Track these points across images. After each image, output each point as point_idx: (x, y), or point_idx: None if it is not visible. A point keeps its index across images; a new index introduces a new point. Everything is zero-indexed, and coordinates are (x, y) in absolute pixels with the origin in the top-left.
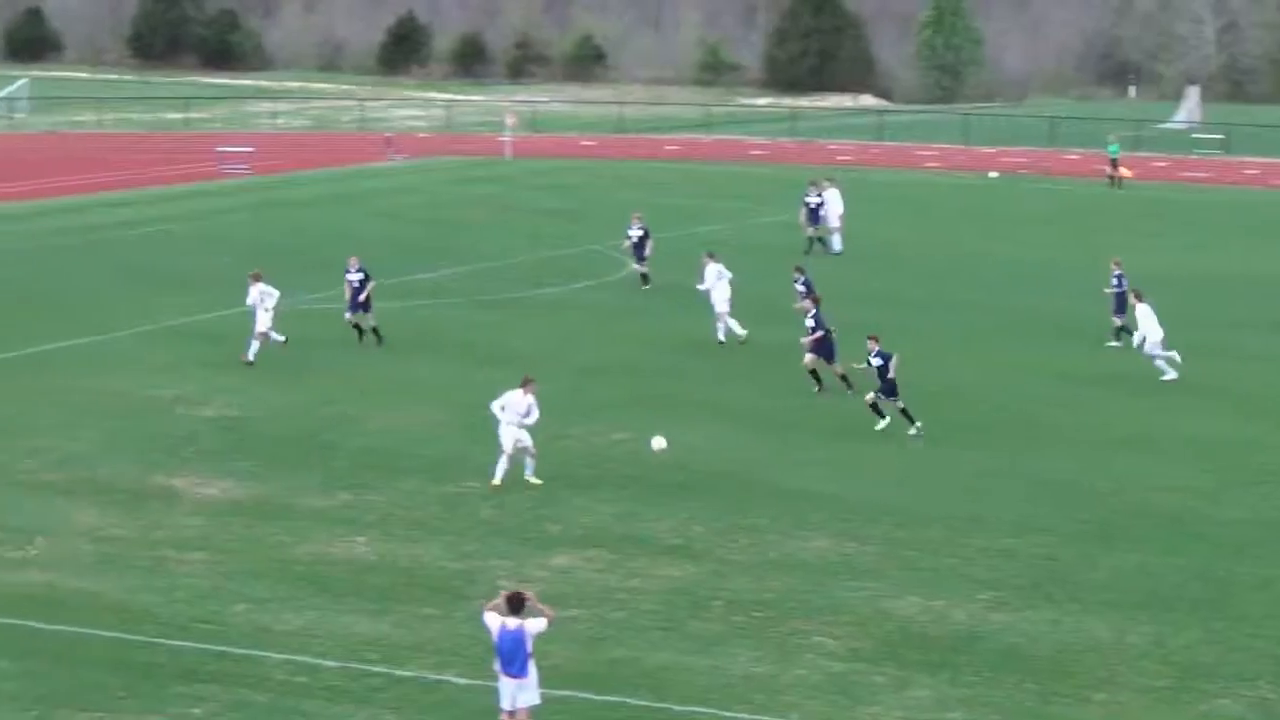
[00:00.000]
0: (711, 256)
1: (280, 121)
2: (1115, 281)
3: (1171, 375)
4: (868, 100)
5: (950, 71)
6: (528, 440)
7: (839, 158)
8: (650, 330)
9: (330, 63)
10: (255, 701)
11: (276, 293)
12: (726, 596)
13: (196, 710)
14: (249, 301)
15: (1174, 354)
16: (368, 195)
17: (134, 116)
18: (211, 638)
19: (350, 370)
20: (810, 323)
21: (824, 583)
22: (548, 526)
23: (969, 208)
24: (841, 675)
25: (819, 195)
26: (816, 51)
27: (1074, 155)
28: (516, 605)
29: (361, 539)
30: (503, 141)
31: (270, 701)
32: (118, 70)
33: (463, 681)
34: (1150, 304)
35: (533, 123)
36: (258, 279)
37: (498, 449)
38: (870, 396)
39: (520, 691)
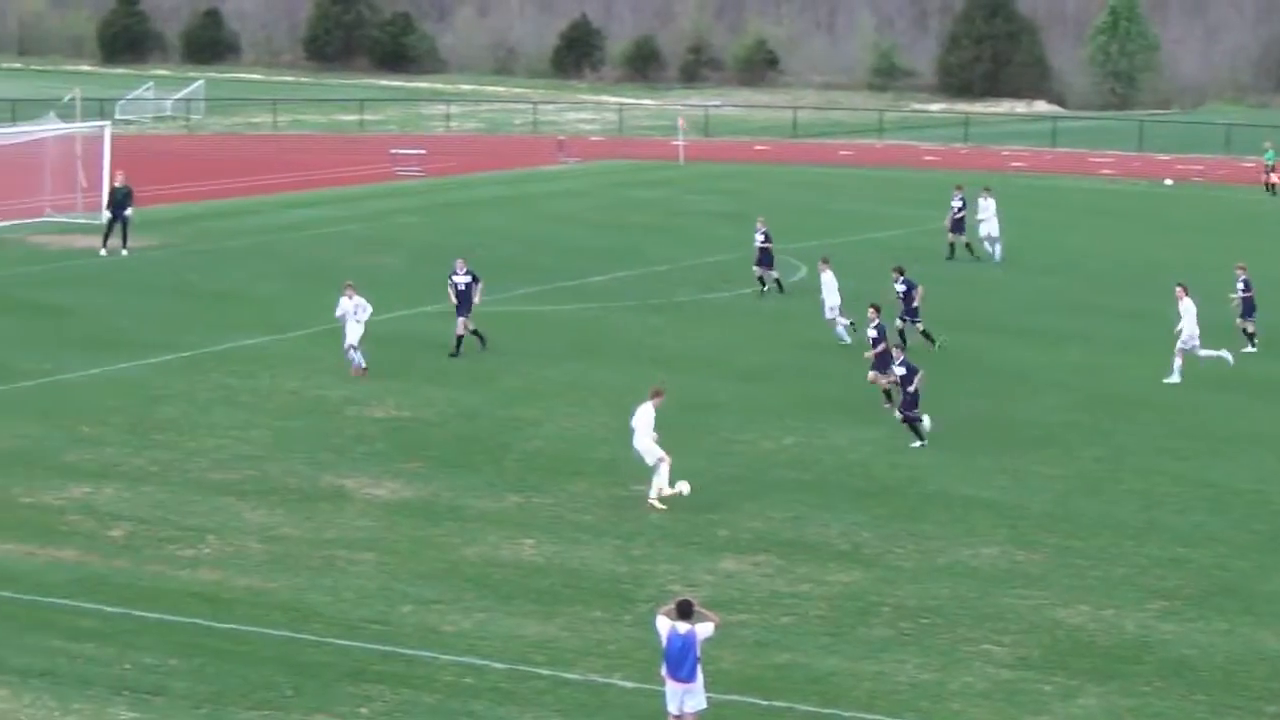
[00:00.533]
0: (825, 263)
1: (453, 124)
2: (1241, 286)
3: (1175, 379)
4: (1041, 106)
5: (1125, 78)
6: (648, 458)
7: (1012, 164)
8: (819, 334)
9: (503, 66)
10: (422, 702)
11: (369, 307)
12: (894, 603)
13: (364, 710)
14: (339, 313)
15: (1222, 353)
16: (538, 198)
17: (308, 118)
18: (379, 638)
19: (520, 372)
20: (873, 333)
21: (992, 590)
22: (716, 531)
23: (1143, 215)
24: (1009, 683)
25: (961, 199)
26: (990, 57)
27: (1249, 163)
28: (686, 611)
29: (530, 541)
30: (675, 145)
31: (437, 702)
32: (293, 72)
33: (629, 685)
34: (1194, 300)
35: (705, 127)
36: (352, 291)
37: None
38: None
39: (687, 696)
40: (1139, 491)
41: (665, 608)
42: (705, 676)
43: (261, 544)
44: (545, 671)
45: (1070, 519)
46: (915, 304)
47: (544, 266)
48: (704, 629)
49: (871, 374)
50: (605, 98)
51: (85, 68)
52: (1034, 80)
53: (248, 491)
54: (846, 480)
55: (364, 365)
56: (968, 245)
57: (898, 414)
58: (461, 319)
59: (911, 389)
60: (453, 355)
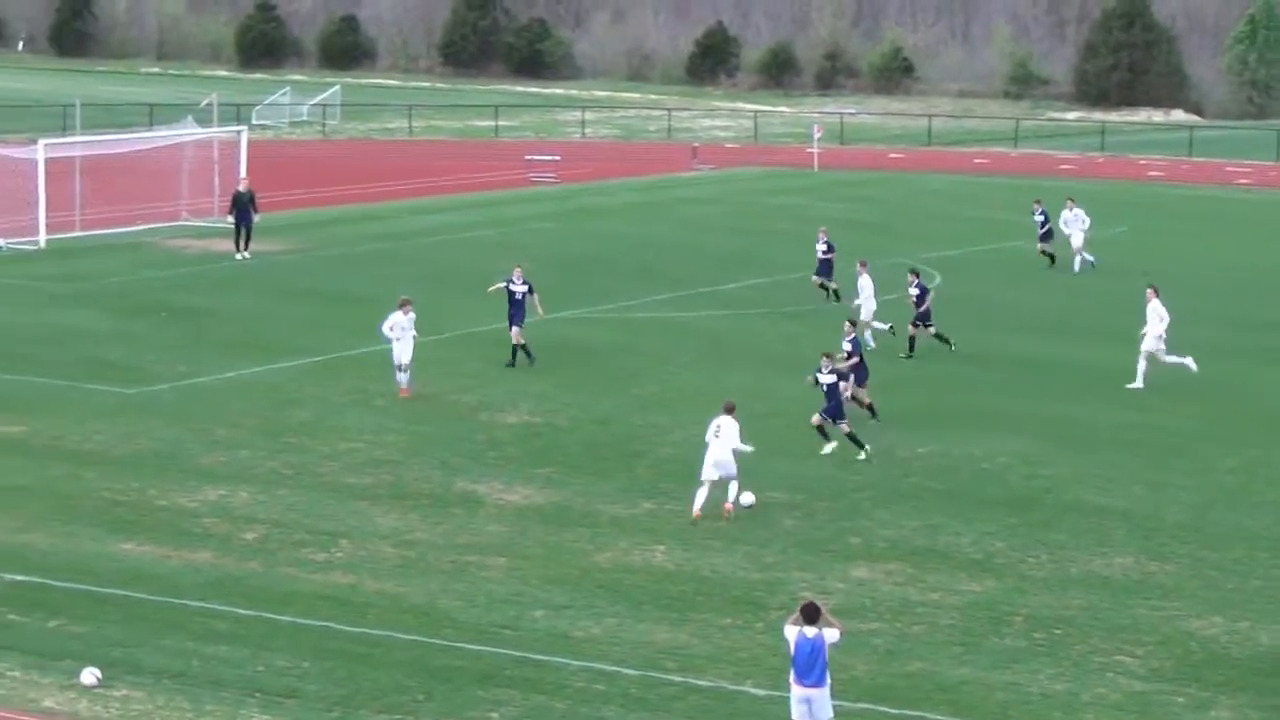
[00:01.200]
0: (864, 266)
1: (588, 130)
2: None
3: (1138, 385)
4: (1178, 115)
5: (1263, 87)
6: (731, 468)
7: (1149, 173)
8: (956, 342)
9: (638, 72)
10: (553, 708)
11: (413, 331)
12: (1026, 612)
13: (494, 715)
14: (385, 328)
15: (1184, 360)
16: (672, 205)
17: (443, 124)
18: (511, 643)
19: (654, 379)
20: (847, 346)
21: (1125, 601)
22: (849, 539)
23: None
24: (1141, 695)
25: (1042, 213)
26: (1127, 65)
27: None
28: (812, 615)
29: (661, 547)
30: (809, 153)
31: (568, 708)
32: (429, 78)
33: (761, 693)
34: (1161, 302)
35: (840, 134)
36: (409, 307)
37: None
38: (816, 419)
39: (815, 703)
40: (1275, 503)
41: (793, 617)
42: (835, 684)
43: (394, 548)
44: (676, 678)
45: (1205, 530)
46: (926, 308)
47: (677, 273)
48: (831, 634)
49: (845, 386)
50: (740, 105)
51: (222, 73)
52: (1171, 89)
53: (381, 496)
54: (981, 489)
55: (410, 387)
56: (1050, 254)
57: (845, 426)
58: (515, 329)
59: (840, 399)
60: (509, 365)
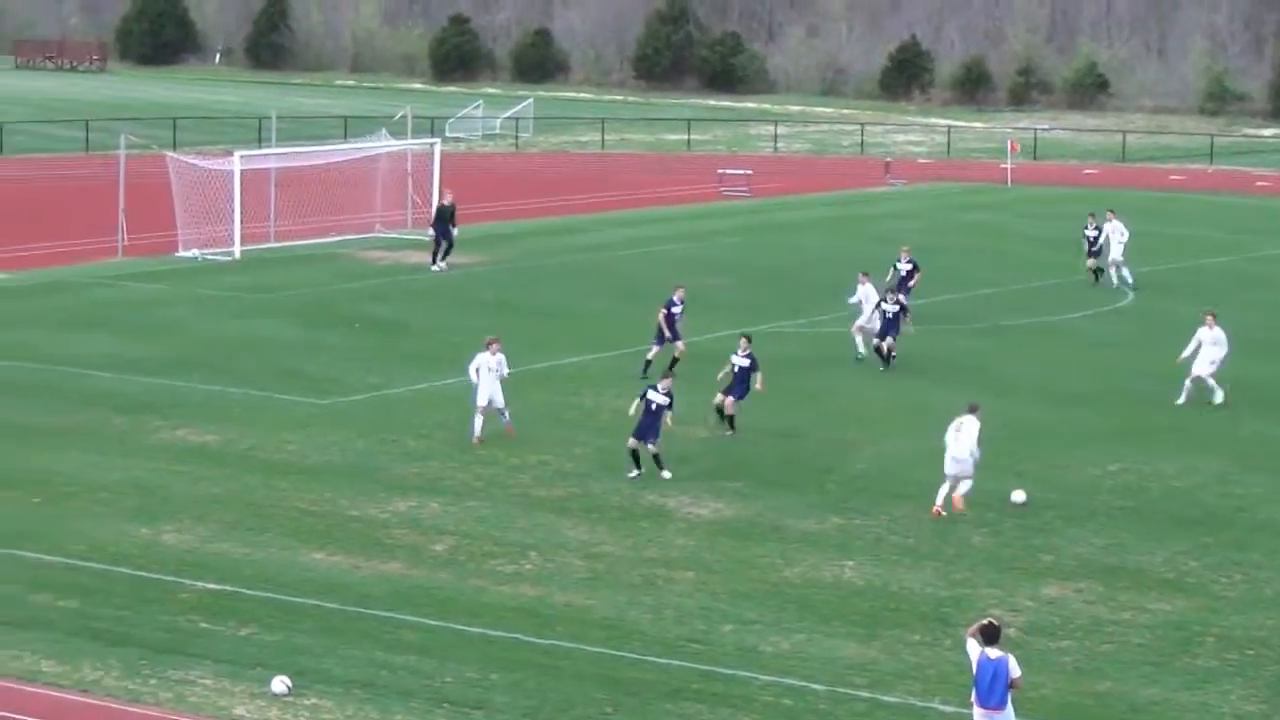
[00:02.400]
0: (865, 277)
1: (780, 145)
2: None
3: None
4: None
5: None
6: (967, 467)
7: None
8: (1142, 360)
9: (832, 87)
10: None
11: (502, 371)
12: (1219, 633)
13: None
14: (471, 370)
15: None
16: (865, 220)
17: (636, 137)
18: (699, 657)
19: (845, 394)
20: (744, 361)
21: None
22: (1039, 556)
23: None
24: None
25: (1096, 228)
26: None
27: None
28: (992, 635)
29: (850, 563)
30: (1003, 168)
31: None
32: (621, 91)
33: (949, 709)
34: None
35: (1034, 150)
36: (496, 347)
37: None
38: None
39: None
40: None
41: (974, 627)
42: (1024, 703)
43: (582, 561)
44: (864, 694)
45: None
46: (912, 285)
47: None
48: (1014, 668)
49: (725, 398)
50: (933, 120)
51: (417, 85)
52: None
53: (569, 508)
54: (1172, 508)
55: (507, 417)
56: (1097, 270)
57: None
58: (657, 347)
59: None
60: (642, 376)
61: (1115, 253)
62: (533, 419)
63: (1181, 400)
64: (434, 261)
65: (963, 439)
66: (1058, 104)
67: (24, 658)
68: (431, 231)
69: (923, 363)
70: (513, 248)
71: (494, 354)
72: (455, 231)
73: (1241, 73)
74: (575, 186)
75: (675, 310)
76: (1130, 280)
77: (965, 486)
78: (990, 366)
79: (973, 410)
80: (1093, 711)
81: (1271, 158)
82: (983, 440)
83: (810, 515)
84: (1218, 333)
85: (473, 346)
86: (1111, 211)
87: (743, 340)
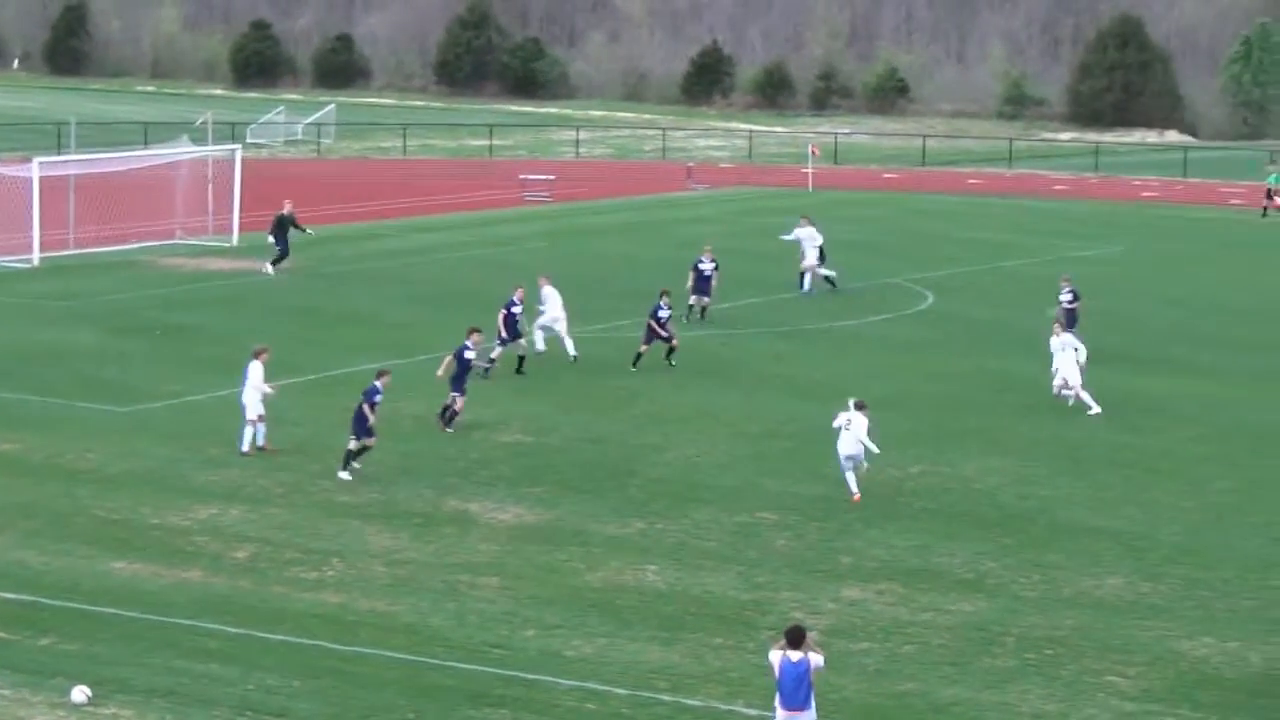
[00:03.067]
0: (806, 219)
1: (583, 150)
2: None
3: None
4: (1173, 136)
5: (1257, 108)
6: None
7: (1143, 194)
8: (945, 364)
9: (634, 92)
10: None
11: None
12: (1018, 633)
13: None
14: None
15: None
16: (667, 225)
17: (438, 143)
18: (501, 662)
19: (647, 399)
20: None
21: (1117, 621)
22: (840, 559)
23: (1275, 246)
24: (1132, 716)
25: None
26: (1121, 86)
27: None
28: (796, 639)
29: (653, 567)
30: (804, 173)
31: None
32: (423, 97)
33: (752, 712)
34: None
35: (834, 154)
36: (265, 356)
37: None
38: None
39: None
40: (1266, 524)
41: (778, 644)
42: (826, 704)
43: (385, 567)
44: (667, 698)
45: (1197, 551)
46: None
47: (672, 293)
48: (815, 659)
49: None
50: (735, 124)
51: (217, 91)
52: (1166, 110)
53: (372, 515)
54: (973, 509)
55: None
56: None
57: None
58: (500, 348)
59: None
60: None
61: (810, 258)
62: (334, 425)
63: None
64: (272, 266)
65: (852, 433)
66: (858, 108)
67: None
68: (271, 239)
69: (725, 366)
70: (316, 253)
71: (264, 363)
72: (290, 240)
73: (1039, 77)
74: (378, 192)
75: (515, 310)
76: (834, 279)
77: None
78: (792, 370)
79: (860, 408)
80: (894, 712)
81: (1069, 161)
82: (874, 433)
83: (613, 519)
84: (1065, 338)
85: (275, 352)
86: (806, 217)
87: (475, 335)
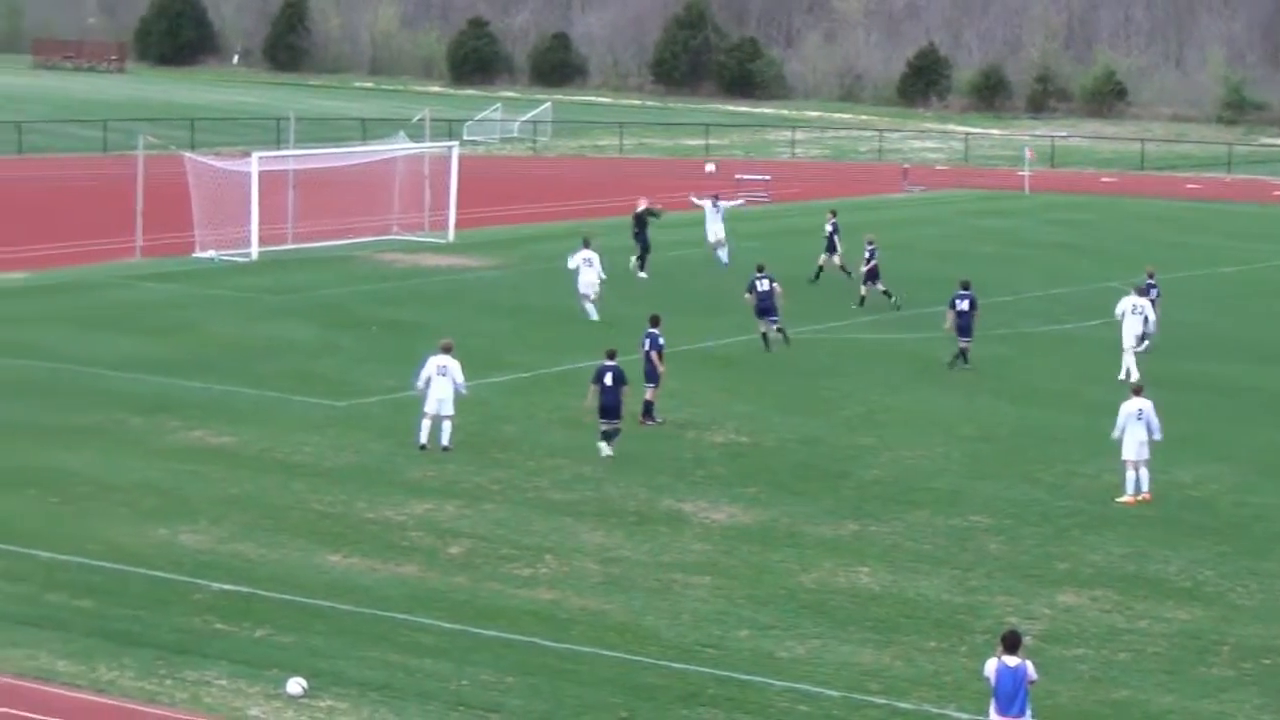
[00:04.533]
0: (586, 244)
1: (798, 150)
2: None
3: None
4: None
5: None
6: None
7: None
8: (1160, 368)
9: (849, 93)
10: None
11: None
12: (1235, 642)
13: None
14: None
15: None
16: (881, 226)
17: (654, 142)
18: (714, 662)
19: (861, 400)
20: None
21: None
22: (1055, 564)
23: None
24: None
25: (833, 225)
26: None
27: None
28: (1013, 644)
29: (866, 569)
30: (1020, 176)
31: None
32: (639, 96)
33: (965, 717)
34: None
35: (1051, 158)
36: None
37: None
38: None
39: None
40: None
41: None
42: (1040, 710)
43: (599, 565)
44: (879, 700)
45: None
46: (875, 264)
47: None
48: (1032, 669)
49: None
50: (951, 126)
51: (434, 88)
52: None
53: (586, 512)
54: (1190, 516)
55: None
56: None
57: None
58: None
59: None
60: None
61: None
62: (548, 423)
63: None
64: (640, 268)
65: (1144, 423)
66: (1076, 111)
67: (39, 657)
68: (633, 239)
69: (942, 369)
70: (529, 251)
71: (450, 357)
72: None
73: (1259, 82)
74: (593, 191)
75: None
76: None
77: (1145, 473)
78: (1009, 373)
79: (1138, 393)
80: None
81: None
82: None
83: (826, 521)
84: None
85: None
86: (716, 196)
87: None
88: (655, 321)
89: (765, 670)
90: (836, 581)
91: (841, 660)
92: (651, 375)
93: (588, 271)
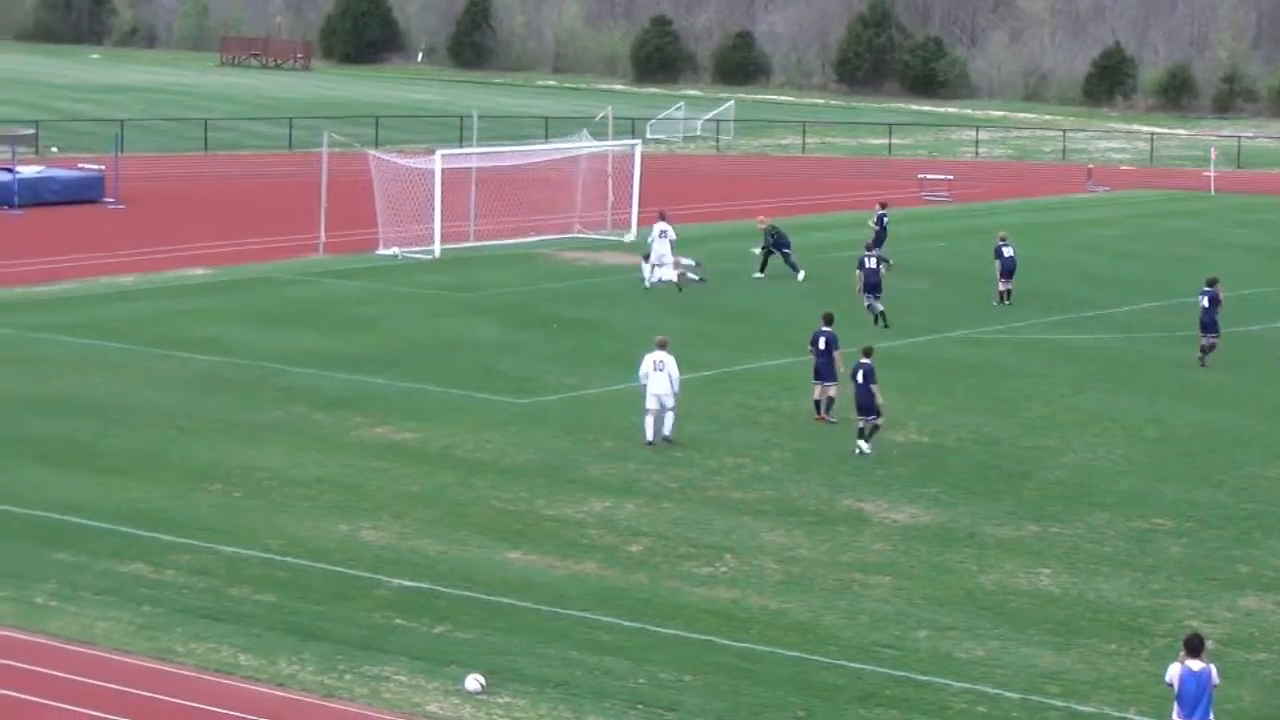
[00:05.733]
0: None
1: (981, 150)
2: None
3: None
4: None
5: None
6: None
7: None
8: None
9: (1034, 92)
10: None
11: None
12: None
13: None
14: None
15: None
16: (1065, 226)
17: (837, 141)
18: (893, 662)
19: (1044, 401)
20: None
21: None
22: (1238, 567)
23: None
24: None
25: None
26: None
27: None
28: (1196, 647)
29: (1046, 570)
30: (1206, 176)
31: None
32: (822, 95)
33: None
34: None
35: (1237, 158)
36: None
37: None
38: None
39: None
40: None
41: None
42: (1221, 716)
43: (778, 564)
44: (1059, 703)
45: None
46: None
47: (1070, 295)
48: (1215, 674)
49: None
50: (1136, 126)
51: (618, 86)
52: None
53: (765, 511)
54: None
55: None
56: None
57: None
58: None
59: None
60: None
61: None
62: (729, 422)
63: None
64: (795, 270)
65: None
66: (1263, 112)
67: (221, 650)
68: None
69: (1124, 371)
70: (713, 249)
71: (666, 353)
72: (787, 250)
73: None
74: (775, 189)
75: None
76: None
77: (672, 420)
78: (1193, 374)
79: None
80: None
81: None
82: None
83: (1007, 521)
84: None
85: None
86: (661, 214)
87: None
88: (829, 320)
89: (943, 671)
90: (1016, 583)
91: (1021, 662)
92: (826, 373)
93: (660, 243)
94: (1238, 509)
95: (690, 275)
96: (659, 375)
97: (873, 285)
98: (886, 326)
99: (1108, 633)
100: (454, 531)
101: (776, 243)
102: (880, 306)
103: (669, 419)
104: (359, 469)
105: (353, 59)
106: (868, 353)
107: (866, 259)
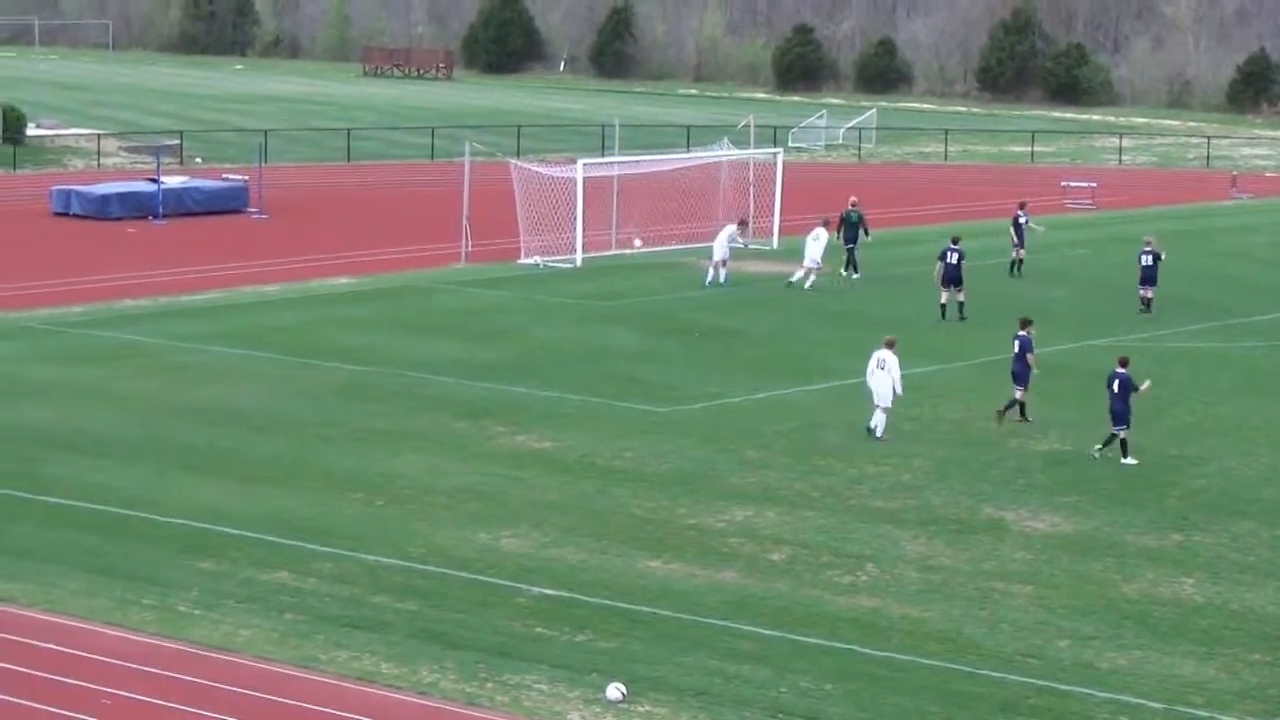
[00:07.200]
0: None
1: (1125, 157)
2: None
3: None
4: None
5: None
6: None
7: None
8: None
9: (1178, 99)
10: None
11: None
12: None
13: None
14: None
15: None
16: (1210, 234)
17: (979, 149)
18: (1035, 672)
19: (1187, 409)
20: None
21: None
22: None
23: None
24: None
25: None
26: None
27: None
28: None
29: (1190, 580)
30: None
31: None
32: (964, 103)
33: None
34: None
35: None
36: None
37: None
38: None
39: None
40: None
41: None
42: None
43: (919, 573)
44: (1203, 713)
45: None
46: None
47: (1214, 303)
48: None
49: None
50: None
51: (759, 95)
52: None
53: (907, 520)
54: None
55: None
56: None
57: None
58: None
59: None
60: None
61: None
62: (864, 434)
63: None
64: (846, 269)
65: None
66: None
67: (363, 659)
68: (839, 238)
69: (1268, 379)
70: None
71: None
72: (867, 239)
73: None
74: (918, 197)
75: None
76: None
77: (882, 418)
78: None
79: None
80: None
81: None
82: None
83: (1149, 531)
84: None
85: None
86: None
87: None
88: (1025, 324)
89: (1086, 681)
90: (1159, 592)
91: (1164, 672)
92: (1021, 376)
93: (813, 246)
94: None
95: (813, 275)
96: (880, 374)
97: (952, 278)
98: (963, 319)
99: (1252, 643)
100: (594, 540)
101: (853, 232)
102: (961, 297)
103: (881, 418)
104: (499, 477)
105: (495, 69)
106: (1124, 363)
107: (949, 252)
